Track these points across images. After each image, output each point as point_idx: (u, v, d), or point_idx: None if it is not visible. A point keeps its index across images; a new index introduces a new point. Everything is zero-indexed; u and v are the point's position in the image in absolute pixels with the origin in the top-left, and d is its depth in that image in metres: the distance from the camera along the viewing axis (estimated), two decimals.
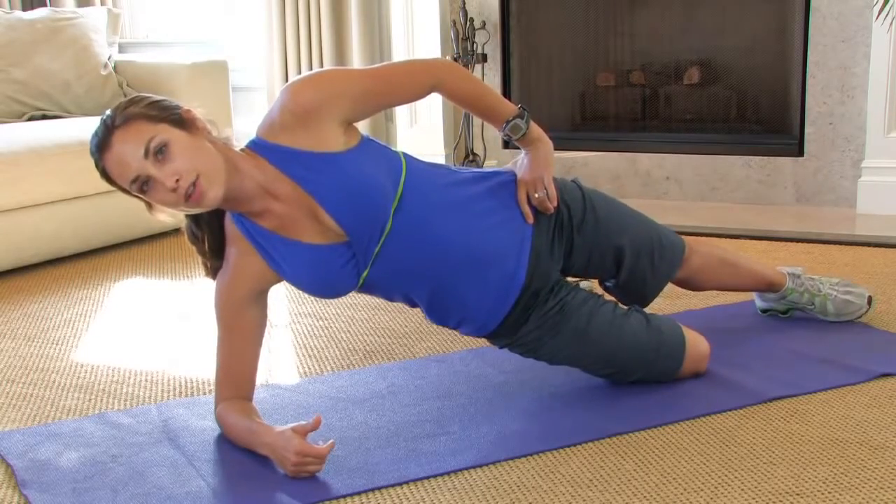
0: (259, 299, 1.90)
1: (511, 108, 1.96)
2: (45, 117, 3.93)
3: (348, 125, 1.86)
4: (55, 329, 2.70)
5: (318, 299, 2.69)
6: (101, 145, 1.72)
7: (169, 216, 1.82)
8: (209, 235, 1.90)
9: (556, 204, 1.98)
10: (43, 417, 2.08)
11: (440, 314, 1.99)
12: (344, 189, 1.80)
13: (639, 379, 2.02)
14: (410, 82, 1.92)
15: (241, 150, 1.84)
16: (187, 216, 1.89)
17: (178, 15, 5.19)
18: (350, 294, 1.94)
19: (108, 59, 4.13)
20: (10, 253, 3.24)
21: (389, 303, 2.12)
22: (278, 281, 1.90)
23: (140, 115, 1.72)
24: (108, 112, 1.75)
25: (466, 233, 1.90)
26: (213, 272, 1.92)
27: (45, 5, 4.90)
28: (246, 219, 1.84)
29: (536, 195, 1.96)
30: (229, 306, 1.88)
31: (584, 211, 2.04)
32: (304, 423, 1.74)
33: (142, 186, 1.71)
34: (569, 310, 1.97)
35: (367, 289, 1.93)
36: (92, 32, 4.12)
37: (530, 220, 1.96)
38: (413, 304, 2.00)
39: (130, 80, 4.12)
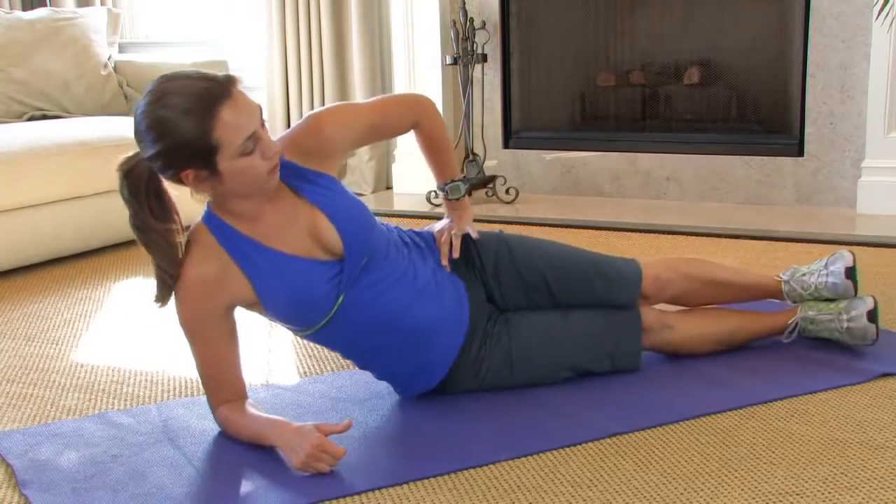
0: (228, 311, 1.88)
1: (458, 172, 2.17)
2: (45, 117, 3.94)
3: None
4: (55, 329, 2.70)
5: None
6: (220, 94, 1.71)
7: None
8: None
9: (472, 234, 2.09)
10: (43, 417, 2.08)
11: (396, 360, 1.99)
12: (351, 206, 1.91)
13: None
14: (399, 117, 2.05)
15: None
16: (154, 219, 1.80)
17: (178, 15, 5.20)
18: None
19: (108, 59, 4.14)
20: (10, 253, 3.24)
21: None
22: (247, 296, 1.86)
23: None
24: (206, 73, 1.75)
25: (413, 279, 1.98)
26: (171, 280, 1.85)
27: (45, 5, 4.91)
28: (227, 224, 1.84)
29: (454, 233, 2.07)
30: (196, 319, 1.85)
31: (497, 252, 2.10)
32: (331, 423, 1.77)
33: (249, 143, 1.73)
34: (515, 318, 2.07)
35: (332, 324, 1.90)
36: (92, 32, 4.12)
37: (445, 259, 2.05)
38: (363, 364, 2.04)
39: (130, 80, 4.13)
